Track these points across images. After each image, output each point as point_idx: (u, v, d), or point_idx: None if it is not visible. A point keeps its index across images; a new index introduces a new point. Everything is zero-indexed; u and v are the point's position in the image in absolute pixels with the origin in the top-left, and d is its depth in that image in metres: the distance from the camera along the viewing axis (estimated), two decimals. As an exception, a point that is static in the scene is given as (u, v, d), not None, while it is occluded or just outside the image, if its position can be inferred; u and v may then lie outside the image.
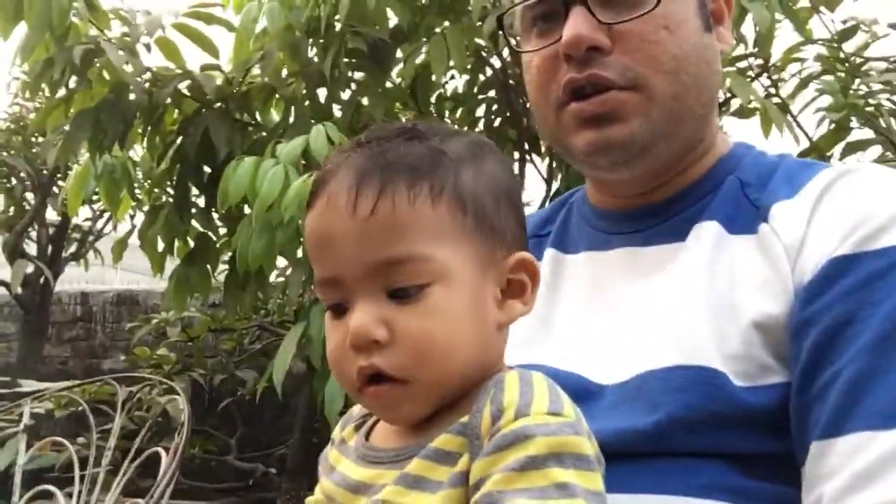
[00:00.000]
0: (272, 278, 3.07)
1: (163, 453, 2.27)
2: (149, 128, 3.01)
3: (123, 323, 5.29)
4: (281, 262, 2.95)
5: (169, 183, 3.08)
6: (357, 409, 0.83)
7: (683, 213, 0.91)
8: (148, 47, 2.87)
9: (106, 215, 5.20)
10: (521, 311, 0.74)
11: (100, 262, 5.37)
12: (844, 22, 3.11)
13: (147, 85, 2.96)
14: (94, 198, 4.43)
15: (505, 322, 0.73)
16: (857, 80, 3.09)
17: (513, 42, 1.02)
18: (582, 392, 0.83)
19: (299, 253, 2.50)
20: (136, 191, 3.37)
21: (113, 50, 2.68)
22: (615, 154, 0.89)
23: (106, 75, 2.99)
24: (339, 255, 0.69)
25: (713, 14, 0.94)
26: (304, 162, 2.35)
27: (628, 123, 0.87)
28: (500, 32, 1.03)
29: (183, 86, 2.99)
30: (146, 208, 3.42)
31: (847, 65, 3.10)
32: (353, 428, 0.80)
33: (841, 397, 0.73)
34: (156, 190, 3.34)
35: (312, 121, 2.70)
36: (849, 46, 3.19)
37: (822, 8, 3.06)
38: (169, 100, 2.96)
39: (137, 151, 3.47)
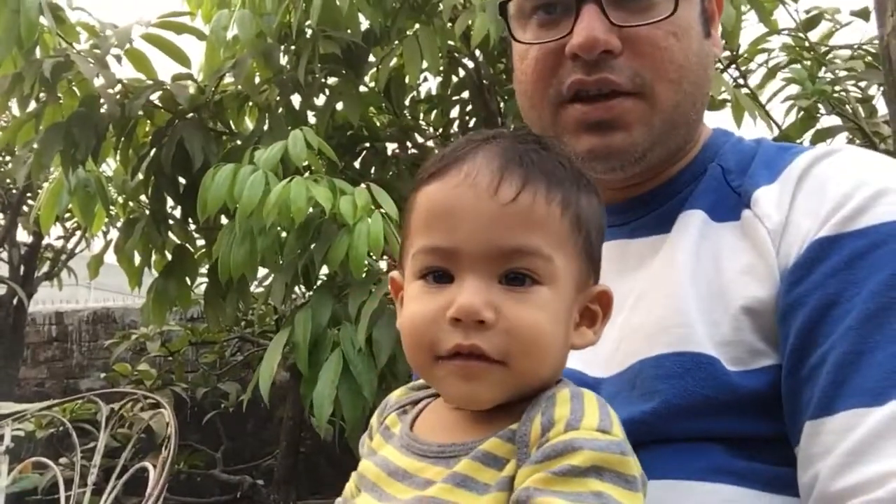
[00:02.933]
0: (251, 288, 3.05)
1: (150, 468, 2.24)
2: (122, 140, 2.98)
3: (100, 341, 5.21)
4: (261, 272, 2.94)
5: (144, 195, 3.05)
6: (394, 398, 0.84)
7: (668, 204, 0.92)
8: (119, 59, 2.84)
9: (78, 234, 5.13)
10: (590, 340, 0.77)
11: (73, 281, 5.28)
12: (808, 12, 3.17)
13: (118, 97, 2.93)
14: (67, 216, 4.36)
15: (577, 345, 0.75)
16: (823, 69, 3.14)
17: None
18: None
19: (280, 260, 2.49)
20: (110, 206, 3.34)
21: (84, 62, 2.65)
22: (613, 161, 0.90)
23: (76, 89, 2.96)
24: (465, 230, 0.70)
25: (709, 15, 0.94)
26: (282, 168, 2.34)
27: (631, 132, 0.88)
28: (501, 17, 0.99)
29: (155, 97, 2.97)
30: (120, 223, 3.39)
31: (812, 53, 3.15)
32: (396, 416, 0.81)
33: (830, 377, 0.74)
34: (130, 203, 3.32)
35: (289, 128, 2.69)
36: (813, 36, 3.25)
37: (786, -1, 3.11)
38: (141, 111, 2.94)
39: (110, 166, 3.45)
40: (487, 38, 2.46)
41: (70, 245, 5.23)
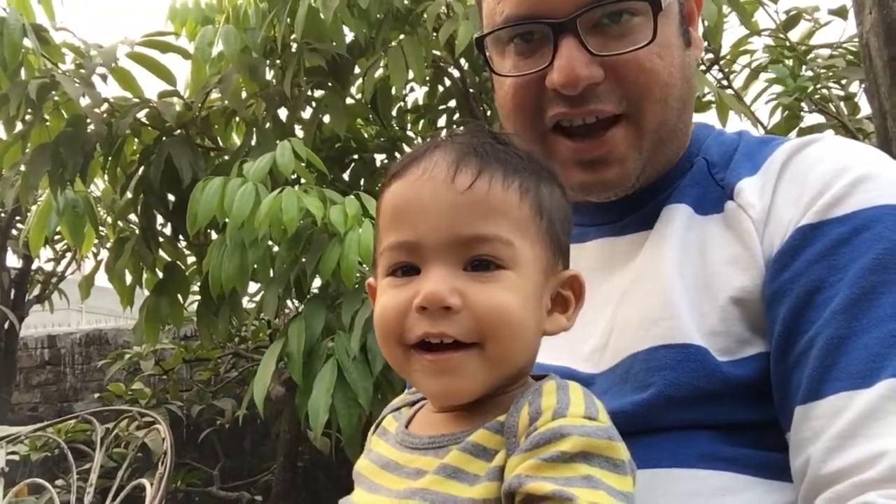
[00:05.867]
0: (244, 303, 3.04)
1: (147, 484, 2.23)
2: (109, 159, 2.99)
3: (93, 363, 5.18)
4: (252, 287, 2.94)
5: (134, 213, 3.05)
6: (397, 400, 0.86)
7: (655, 201, 0.93)
8: (104, 78, 2.85)
9: (68, 256, 5.11)
10: (563, 326, 0.77)
11: (65, 304, 5.26)
12: (787, 12, 3.21)
13: (105, 116, 2.94)
14: (56, 237, 4.35)
15: (549, 331, 0.76)
16: (804, 67, 3.17)
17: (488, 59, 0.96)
18: None
19: (271, 272, 2.49)
20: (100, 226, 3.34)
21: (69, 82, 2.66)
22: (608, 192, 0.91)
23: (62, 109, 2.97)
24: (426, 222, 0.72)
25: (687, 17, 0.93)
26: (270, 180, 2.35)
27: (625, 165, 0.88)
28: (479, 53, 0.97)
29: (142, 115, 2.98)
30: (109, 243, 3.38)
31: (794, 52, 3.19)
32: (392, 417, 0.83)
33: (818, 362, 0.75)
34: (119, 223, 3.32)
35: (277, 141, 2.70)
36: (794, 35, 3.28)
37: (766, 0, 3.15)
38: (128, 130, 2.94)
39: (97, 186, 3.45)
40: (471, 46, 2.48)
41: (60, 268, 5.21)
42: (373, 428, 0.85)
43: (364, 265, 2.29)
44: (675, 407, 0.79)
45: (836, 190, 0.80)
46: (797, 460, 0.75)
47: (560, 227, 0.77)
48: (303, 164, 2.39)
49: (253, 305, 3.04)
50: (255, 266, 2.42)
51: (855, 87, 3.24)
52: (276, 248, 2.49)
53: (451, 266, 0.71)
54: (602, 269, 0.93)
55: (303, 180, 2.56)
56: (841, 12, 3.09)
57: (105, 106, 2.99)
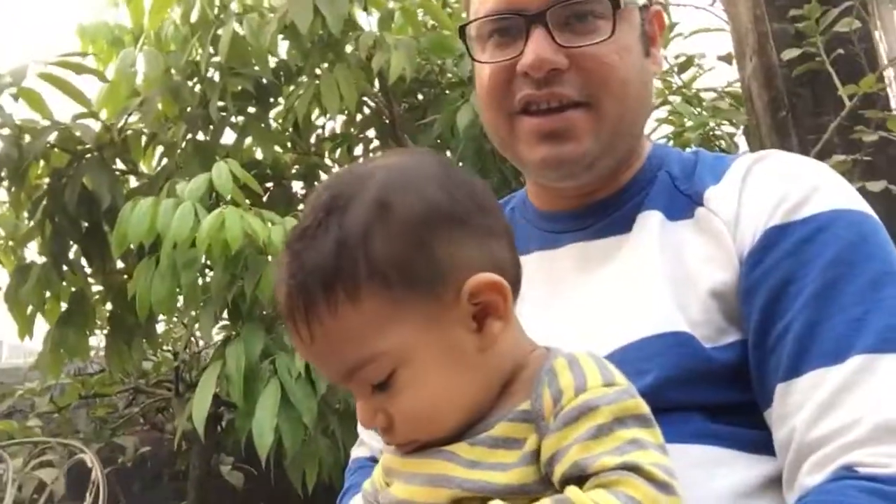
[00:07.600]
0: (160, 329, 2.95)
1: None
2: (13, 182, 2.85)
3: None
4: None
5: (40, 239, 2.90)
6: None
7: (625, 207, 1.02)
8: (16, 98, 2.73)
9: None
10: (499, 329, 0.76)
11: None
12: (677, 57, 3.50)
13: (12, 137, 2.80)
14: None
15: (488, 344, 0.75)
16: (695, 108, 3.46)
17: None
18: None
19: (201, 294, 2.44)
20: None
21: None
22: (565, 169, 0.99)
23: (-36, 130, 2.81)
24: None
25: (650, 37, 1.05)
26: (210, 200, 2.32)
27: (581, 142, 0.97)
28: (461, 39, 1.07)
29: (52, 137, 2.86)
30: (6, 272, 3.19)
31: (684, 93, 3.47)
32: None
33: (794, 346, 0.85)
34: (17, 251, 3.14)
35: (198, 165, 2.67)
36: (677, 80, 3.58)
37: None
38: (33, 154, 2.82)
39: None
40: (403, 77, 2.55)
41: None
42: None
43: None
44: (672, 389, 0.85)
45: (795, 196, 0.91)
46: (781, 432, 0.84)
47: (426, 253, 0.72)
48: (237, 187, 2.37)
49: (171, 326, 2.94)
50: (184, 289, 2.37)
51: (729, 129, 3.56)
52: (206, 268, 2.44)
53: (363, 391, 0.75)
54: (579, 270, 1.00)
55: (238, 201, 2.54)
56: (727, 58, 3.39)
57: (6, 130, 2.85)
